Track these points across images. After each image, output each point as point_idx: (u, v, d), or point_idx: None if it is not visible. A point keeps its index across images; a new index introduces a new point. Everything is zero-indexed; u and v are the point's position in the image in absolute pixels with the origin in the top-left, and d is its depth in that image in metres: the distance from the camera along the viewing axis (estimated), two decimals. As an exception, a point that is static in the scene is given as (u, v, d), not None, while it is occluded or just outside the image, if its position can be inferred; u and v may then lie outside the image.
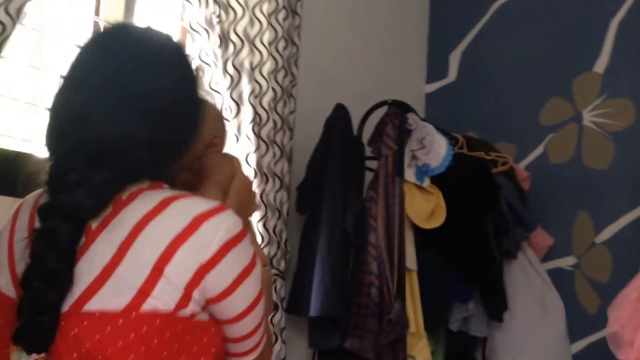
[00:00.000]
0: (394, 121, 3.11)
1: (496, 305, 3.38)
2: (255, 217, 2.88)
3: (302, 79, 3.15)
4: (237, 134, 2.83)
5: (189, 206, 1.04)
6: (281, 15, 3.00)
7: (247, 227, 1.32)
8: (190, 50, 2.79)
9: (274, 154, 2.95)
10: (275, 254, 2.94)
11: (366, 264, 2.97)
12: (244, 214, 1.31)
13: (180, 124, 1.11)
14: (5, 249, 1.09)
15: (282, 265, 2.97)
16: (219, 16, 2.71)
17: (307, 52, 3.19)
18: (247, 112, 2.83)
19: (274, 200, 2.95)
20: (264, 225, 2.90)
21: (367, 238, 3.00)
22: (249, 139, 2.84)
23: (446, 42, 4.08)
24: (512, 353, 3.41)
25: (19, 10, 1.96)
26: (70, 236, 0.98)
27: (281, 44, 3.00)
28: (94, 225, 1.01)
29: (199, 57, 2.74)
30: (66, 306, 0.97)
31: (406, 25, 4.00)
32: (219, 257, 1.01)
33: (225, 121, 1.58)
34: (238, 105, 2.81)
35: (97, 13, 2.68)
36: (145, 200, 1.03)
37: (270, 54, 2.94)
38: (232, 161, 1.40)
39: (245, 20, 2.83)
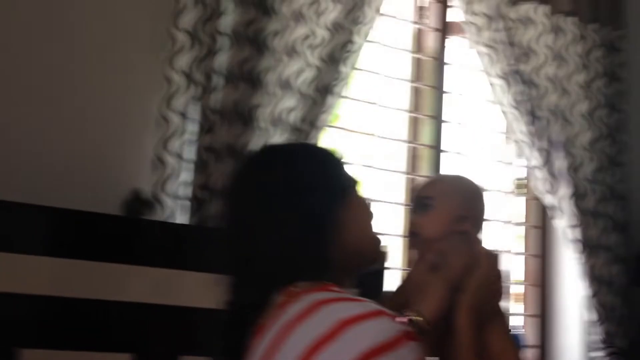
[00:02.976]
0: None
1: None
2: (586, 292, 2.78)
3: (633, 145, 2.97)
4: (556, 208, 2.80)
5: (338, 310, 0.98)
6: (601, 82, 2.92)
7: (496, 319, 1.24)
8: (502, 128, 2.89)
9: (603, 226, 2.82)
10: (615, 331, 2.77)
11: None
12: (483, 308, 1.22)
13: (313, 231, 1.09)
14: None
15: (623, 343, 2.77)
16: (526, 94, 2.77)
17: (636, 116, 3.01)
18: (566, 185, 2.79)
19: (607, 273, 2.80)
20: (598, 301, 2.77)
21: None
22: (569, 213, 2.78)
23: None
24: None
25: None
26: (242, 339, 1.06)
27: (602, 112, 2.91)
28: (260, 325, 1.06)
29: (511, 134, 2.82)
30: None
31: None
32: None
33: (482, 202, 1.35)
34: (554, 179, 2.78)
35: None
36: (299, 303, 1.02)
37: (591, 123, 2.87)
38: (473, 248, 1.25)
39: (555, 94, 2.83)
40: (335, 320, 0.96)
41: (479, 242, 1.27)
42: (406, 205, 2.71)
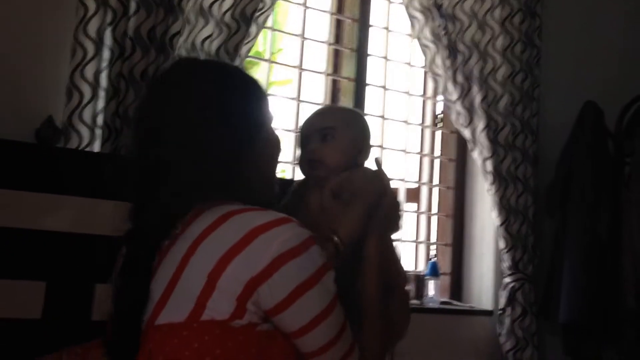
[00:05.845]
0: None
1: None
2: (496, 222, 2.89)
3: (545, 81, 3.07)
4: (471, 141, 2.89)
5: (247, 219, 1.02)
6: (517, 19, 2.98)
7: (388, 244, 1.32)
8: (422, 61, 2.93)
9: (514, 158, 2.93)
10: (521, 258, 2.91)
11: (622, 270, 2.78)
12: (388, 232, 1.31)
13: (217, 145, 1.10)
14: None
15: (530, 269, 2.92)
16: (445, 28, 2.81)
17: (549, 53, 3.10)
18: (481, 118, 2.87)
19: (516, 203, 2.92)
20: (506, 230, 2.89)
21: (623, 242, 2.81)
22: (483, 145, 2.87)
23: None
24: None
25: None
26: (146, 261, 1.06)
27: (518, 48, 2.98)
28: (165, 243, 1.06)
29: (430, 69, 2.87)
30: (145, 321, 1.04)
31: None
32: (272, 269, 0.98)
33: (369, 137, 1.43)
34: (470, 113, 2.86)
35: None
36: (207, 216, 1.04)
37: (506, 59, 2.94)
38: (382, 180, 1.33)
39: (473, 28, 2.88)
40: (245, 229, 1.00)
41: (383, 174, 1.33)
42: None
